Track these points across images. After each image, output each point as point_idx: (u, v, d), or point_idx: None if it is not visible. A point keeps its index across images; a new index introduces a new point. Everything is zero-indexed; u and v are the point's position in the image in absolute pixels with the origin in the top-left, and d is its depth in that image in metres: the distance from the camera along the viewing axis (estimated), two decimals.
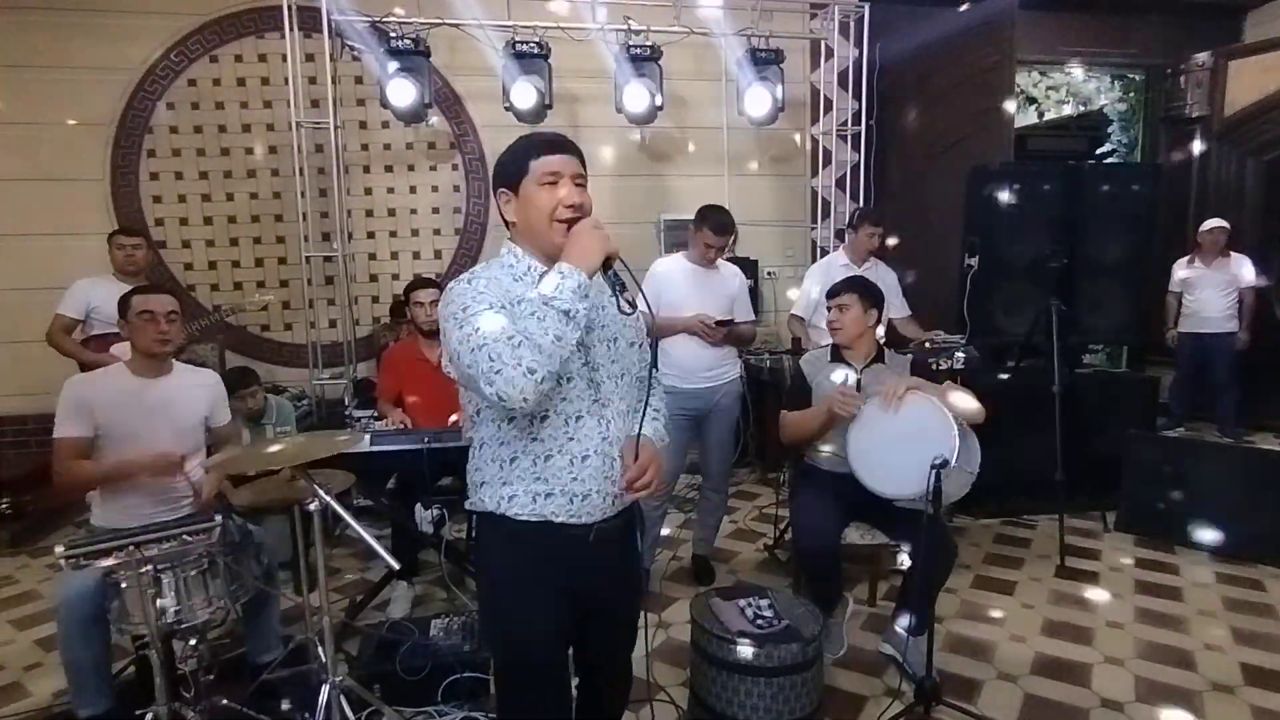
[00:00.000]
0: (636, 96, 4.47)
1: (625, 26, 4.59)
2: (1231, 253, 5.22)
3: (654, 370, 1.56)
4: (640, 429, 1.51)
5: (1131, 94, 6.32)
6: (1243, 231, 5.59)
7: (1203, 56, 5.74)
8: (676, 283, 3.15)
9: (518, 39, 4.43)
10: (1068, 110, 6.63)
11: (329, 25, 4.41)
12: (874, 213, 3.95)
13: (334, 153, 4.67)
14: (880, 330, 4.00)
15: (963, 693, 2.48)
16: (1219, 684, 2.53)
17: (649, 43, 4.57)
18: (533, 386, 1.28)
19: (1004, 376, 4.01)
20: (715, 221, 3.05)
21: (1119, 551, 3.61)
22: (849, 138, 5.33)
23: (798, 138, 5.52)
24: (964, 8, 5.02)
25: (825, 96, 5.40)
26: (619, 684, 1.74)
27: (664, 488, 3.21)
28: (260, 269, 4.94)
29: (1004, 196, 3.96)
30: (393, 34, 4.32)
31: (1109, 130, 6.35)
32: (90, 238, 4.50)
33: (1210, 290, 5.18)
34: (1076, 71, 6.36)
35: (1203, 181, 5.96)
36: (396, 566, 2.02)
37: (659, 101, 4.56)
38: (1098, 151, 6.15)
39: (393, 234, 5.11)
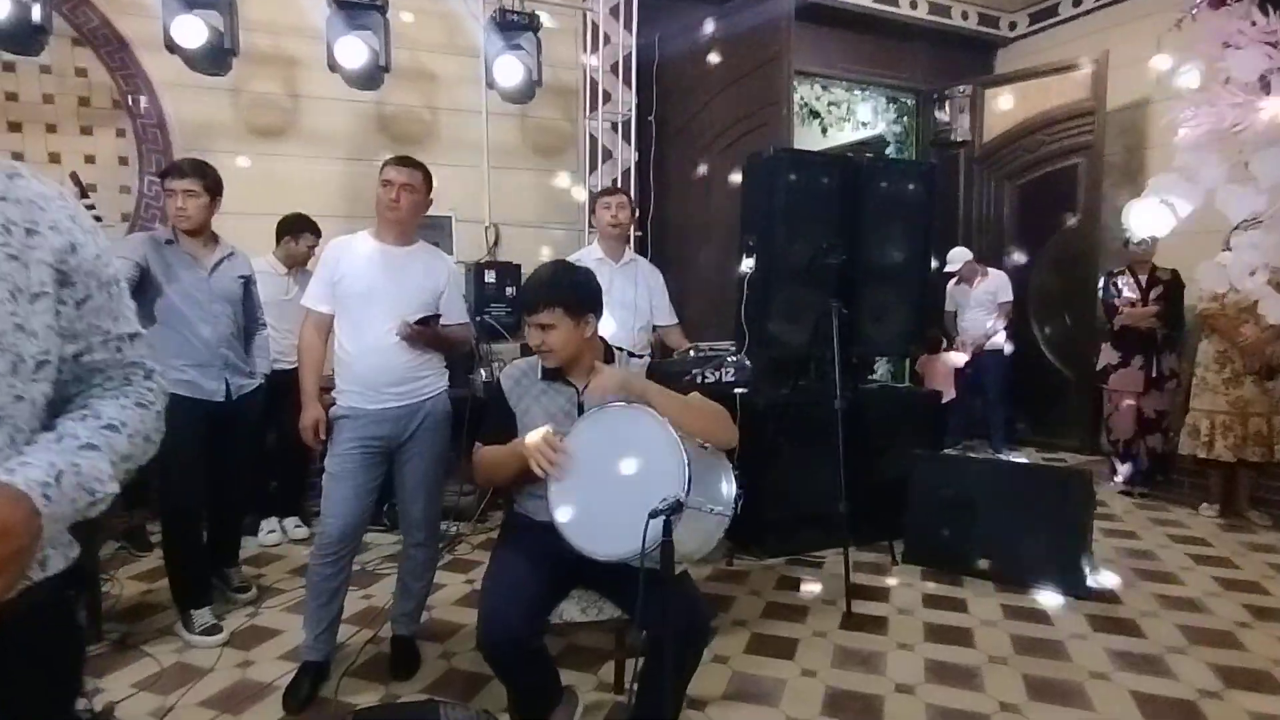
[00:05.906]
0: (352, 52, 3.57)
1: None
2: (990, 271, 5.31)
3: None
4: None
5: (905, 117, 6.41)
6: (1001, 250, 5.75)
7: (964, 86, 5.91)
8: (359, 267, 2.36)
9: None
10: (849, 127, 6.62)
11: None
12: (610, 188, 3.31)
13: None
14: (647, 338, 3.39)
15: None
16: None
17: None
18: None
19: (785, 392, 3.53)
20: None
21: (908, 588, 3.18)
22: (624, 131, 4.77)
23: (570, 128, 4.89)
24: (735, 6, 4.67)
25: (604, 89, 4.82)
26: None
27: (347, 545, 2.32)
28: None
29: (781, 189, 3.50)
30: None
31: (887, 151, 6.39)
32: None
33: (976, 310, 5.22)
34: (856, 91, 6.35)
35: (969, 202, 6.11)
36: None
37: (384, 61, 3.69)
38: None
39: None
